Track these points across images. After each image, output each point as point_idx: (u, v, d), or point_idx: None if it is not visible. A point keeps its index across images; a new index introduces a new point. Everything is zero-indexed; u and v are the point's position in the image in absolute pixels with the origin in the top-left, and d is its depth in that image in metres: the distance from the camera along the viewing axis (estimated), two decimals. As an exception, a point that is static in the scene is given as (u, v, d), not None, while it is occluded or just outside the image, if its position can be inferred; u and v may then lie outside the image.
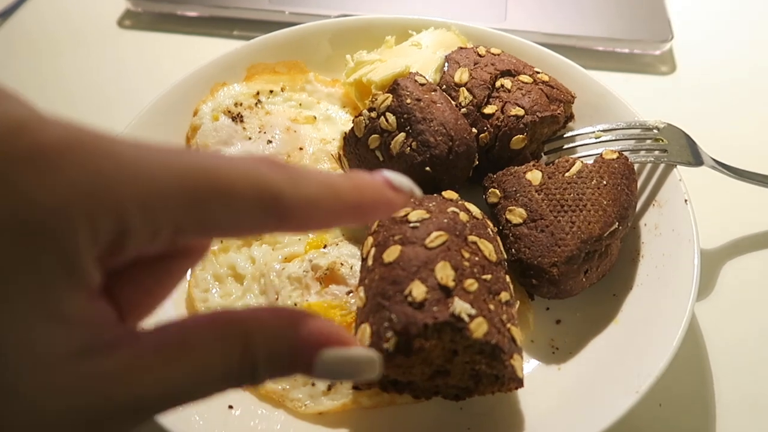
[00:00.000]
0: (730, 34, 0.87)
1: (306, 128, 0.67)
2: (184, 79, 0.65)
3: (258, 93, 0.68)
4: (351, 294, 0.54)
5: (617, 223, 0.52)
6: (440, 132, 0.53)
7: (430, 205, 0.49)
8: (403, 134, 0.53)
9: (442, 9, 0.86)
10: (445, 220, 0.48)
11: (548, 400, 0.49)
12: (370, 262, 0.47)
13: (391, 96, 0.55)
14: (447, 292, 0.43)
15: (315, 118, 0.68)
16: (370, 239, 0.49)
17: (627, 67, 0.81)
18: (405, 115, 0.53)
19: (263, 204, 0.24)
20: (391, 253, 0.46)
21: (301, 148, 0.65)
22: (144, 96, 0.64)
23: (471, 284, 0.44)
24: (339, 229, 0.59)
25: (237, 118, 0.65)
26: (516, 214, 0.54)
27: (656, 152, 0.56)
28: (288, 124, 0.66)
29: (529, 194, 0.54)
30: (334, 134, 0.67)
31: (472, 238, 0.48)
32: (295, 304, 0.53)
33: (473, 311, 0.43)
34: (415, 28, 0.70)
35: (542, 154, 0.61)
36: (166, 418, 0.42)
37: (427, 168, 0.52)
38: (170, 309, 0.54)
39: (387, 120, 0.54)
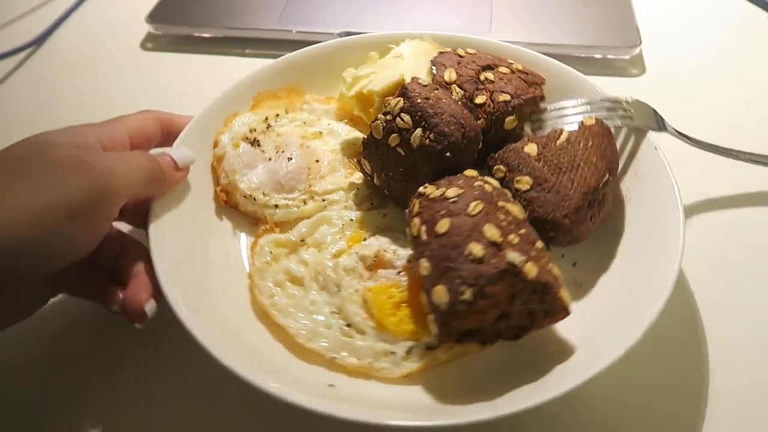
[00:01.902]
0: (692, 39, 0.98)
1: (316, 143, 0.74)
2: (200, 115, 0.70)
3: (267, 118, 0.75)
4: (400, 273, 0.62)
5: (608, 174, 0.63)
6: (452, 122, 0.62)
7: (459, 182, 0.58)
8: (420, 129, 0.62)
9: (432, 23, 0.98)
10: (477, 192, 0.57)
11: (583, 325, 0.58)
12: (424, 237, 0.55)
13: (402, 99, 0.63)
14: (498, 247, 0.52)
15: (321, 133, 0.75)
16: (417, 220, 0.57)
17: (602, 71, 0.92)
18: (419, 113, 0.62)
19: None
20: (443, 225, 0.54)
21: (317, 160, 0.72)
22: (168, 111, 0.72)
23: (513, 238, 0.53)
24: (373, 225, 0.67)
25: (254, 143, 0.72)
26: (523, 182, 0.63)
27: (625, 119, 0.68)
28: (300, 142, 0.73)
29: (531, 164, 0.64)
30: (342, 144, 0.75)
31: (500, 203, 0.57)
32: (356, 291, 0.60)
33: (523, 258, 0.52)
34: (393, 42, 0.79)
35: (528, 128, 0.72)
36: (283, 393, 0.48)
37: (447, 154, 0.61)
38: (245, 318, 0.60)
39: (403, 120, 0.62)
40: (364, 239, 0.65)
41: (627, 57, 0.93)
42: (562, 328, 0.58)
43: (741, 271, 0.68)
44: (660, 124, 0.69)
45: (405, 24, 0.96)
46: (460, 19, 0.99)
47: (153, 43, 1.02)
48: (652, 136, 0.66)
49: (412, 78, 0.66)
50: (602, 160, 0.63)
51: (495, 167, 0.65)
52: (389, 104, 0.64)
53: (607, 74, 0.92)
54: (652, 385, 0.59)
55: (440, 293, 0.51)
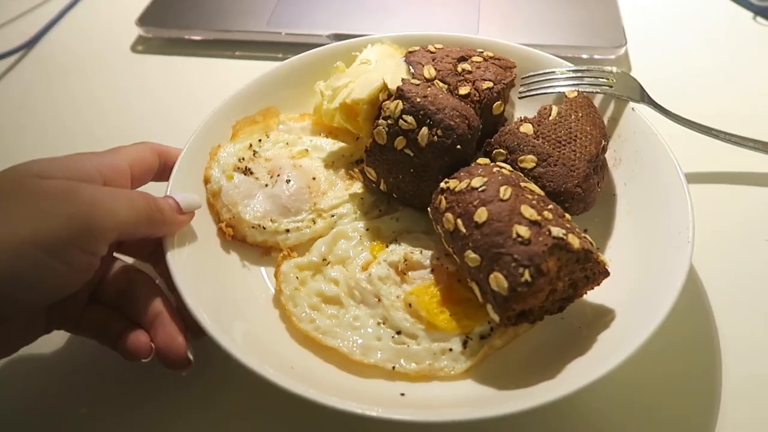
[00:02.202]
0: (677, 39, 1.00)
1: (305, 161, 0.73)
2: (184, 154, 0.67)
3: (251, 145, 0.72)
4: (432, 271, 0.62)
5: (603, 140, 0.66)
6: (455, 115, 0.63)
7: (479, 171, 0.59)
8: (425, 128, 0.62)
9: (420, 25, 0.99)
10: (500, 178, 0.58)
11: (613, 289, 0.60)
12: (463, 230, 0.56)
13: (401, 101, 0.63)
14: (539, 225, 0.53)
15: (307, 150, 0.74)
16: (449, 215, 0.57)
17: None
18: (421, 112, 0.62)
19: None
20: (481, 215, 0.55)
21: (314, 178, 0.71)
22: (158, 113, 0.81)
23: (548, 214, 0.55)
24: (389, 230, 0.66)
25: (247, 172, 0.69)
26: (528, 161, 0.65)
27: (605, 87, 0.72)
28: (292, 162, 0.72)
29: (530, 143, 0.66)
30: (331, 158, 0.74)
31: (523, 184, 0.59)
32: (398, 297, 0.60)
33: (563, 231, 0.53)
34: (355, 50, 0.79)
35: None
36: (387, 414, 0.47)
37: (458, 146, 0.62)
38: (288, 346, 0.58)
39: (406, 121, 0.62)
40: (387, 246, 0.64)
41: (613, 57, 0.94)
42: (596, 295, 0.60)
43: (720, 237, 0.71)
44: (643, 97, 0.73)
45: (394, 26, 0.98)
46: (448, 21, 1.00)
47: (143, 45, 1.04)
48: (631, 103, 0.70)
49: (403, 79, 0.66)
50: (595, 128, 0.67)
51: (495, 151, 0.67)
52: (388, 108, 0.64)
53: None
54: (662, 385, 0.59)
55: (498, 280, 0.52)
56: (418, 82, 0.66)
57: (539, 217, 0.54)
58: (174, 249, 0.59)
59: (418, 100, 0.63)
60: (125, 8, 1.07)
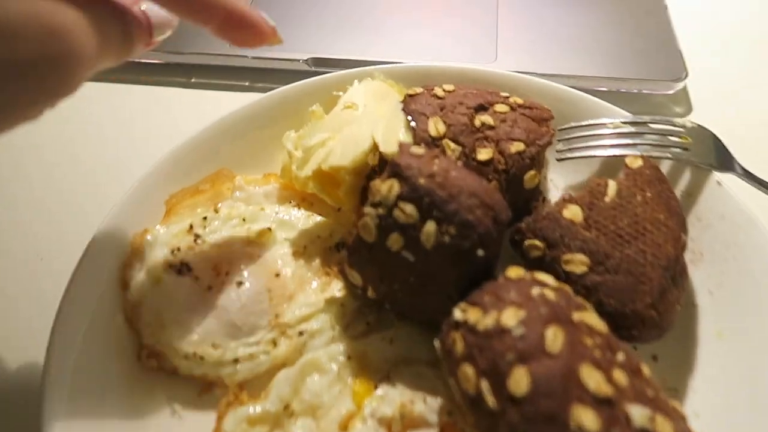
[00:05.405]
0: (749, 70, 0.77)
1: (267, 247, 0.53)
2: (90, 247, 0.48)
3: (191, 227, 0.53)
4: (442, 433, 0.43)
5: (682, 234, 0.47)
6: (475, 205, 0.43)
7: (511, 296, 0.40)
8: (432, 222, 0.43)
9: (422, 51, 0.77)
10: (543, 309, 0.39)
11: None
12: (491, 402, 0.36)
13: (396, 181, 0.44)
14: (610, 405, 0.34)
15: (270, 229, 0.54)
16: (469, 369, 0.38)
17: (636, 108, 0.67)
18: (426, 199, 0.43)
19: None
20: (519, 382, 0.35)
21: (277, 274, 0.51)
22: (98, 152, 0.67)
23: (620, 378, 0.36)
24: (380, 358, 0.47)
25: (183, 270, 0.50)
26: (576, 263, 0.46)
27: (677, 150, 0.52)
28: (246, 251, 0.52)
29: (579, 235, 0.47)
30: (303, 240, 0.54)
31: (575, 316, 0.39)
32: (392, 482, 0.41)
33: (648, 412, 0.34)
34: (338, 87, 0.60)
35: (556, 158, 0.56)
36: None
37: (479, 251, 0.43)
38: None
39: (404, 211, 0.43)
40: (376, 387, 0.45)
41: (669, 92, 0.71)
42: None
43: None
44: (724, 161, 0.52)
45: (389, 50, 0.76)
46: (461, 46, 0.78)
47: None
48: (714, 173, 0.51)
49: (400, 145, 0.46)
50: (671, 216, 0.47)
51: (527, 243, 0.48)
52: (379, 191, 0.44)
53: (644, 113, 0.61)
54: None
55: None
56: (421, 151, 0.46)
57: (610, 389, 0.35)
58: (55, 385, 0.40)
59: (422, 181, 0.43)
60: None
